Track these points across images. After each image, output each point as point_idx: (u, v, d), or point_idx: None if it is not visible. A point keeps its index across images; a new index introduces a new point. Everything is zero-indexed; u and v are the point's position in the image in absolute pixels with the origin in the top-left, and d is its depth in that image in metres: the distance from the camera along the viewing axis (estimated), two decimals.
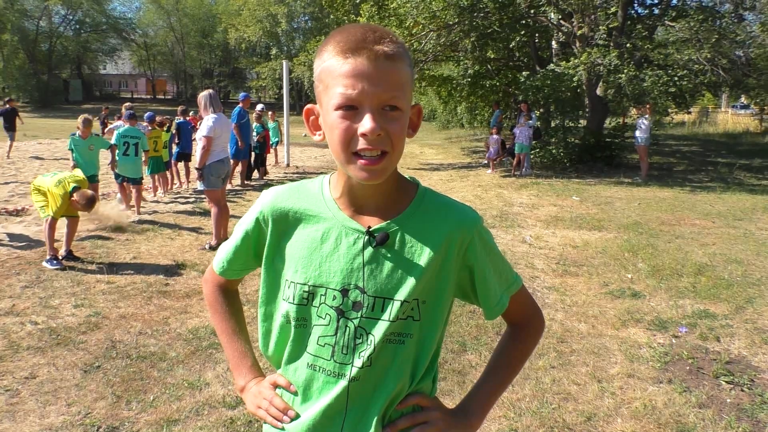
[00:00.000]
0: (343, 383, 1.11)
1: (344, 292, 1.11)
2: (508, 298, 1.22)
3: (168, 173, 10.95)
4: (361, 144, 1.01)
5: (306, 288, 1.13)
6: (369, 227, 1.12)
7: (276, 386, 1.21)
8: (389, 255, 1.11)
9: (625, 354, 4.05)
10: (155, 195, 10.43)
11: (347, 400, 1.12)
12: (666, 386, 3.61)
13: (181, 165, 11.58)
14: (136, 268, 5.97)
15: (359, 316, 1.11)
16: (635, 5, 15.92)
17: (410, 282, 1.10)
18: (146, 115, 10.63)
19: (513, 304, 1.23)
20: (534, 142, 14.90)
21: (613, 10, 12.89)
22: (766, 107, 26.02)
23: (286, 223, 1.18)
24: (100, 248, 6.58)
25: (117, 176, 8.84)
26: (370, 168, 1.02)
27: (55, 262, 5.80)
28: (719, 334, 4.39)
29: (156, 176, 10.45)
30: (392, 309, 1.10)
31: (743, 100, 34.73)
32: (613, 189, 11.70)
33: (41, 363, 3.80)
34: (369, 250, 1.11)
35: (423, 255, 1.11)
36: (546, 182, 12.66)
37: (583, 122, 15.87)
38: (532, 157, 14.77)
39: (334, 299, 1.11)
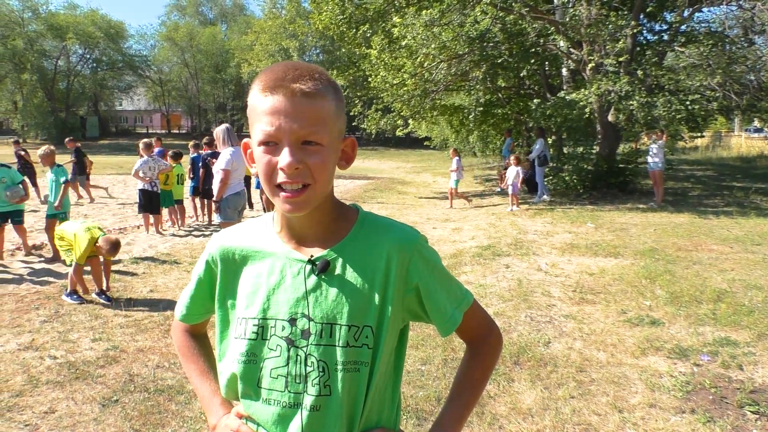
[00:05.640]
0: (301, 414, 1.11)
1: (292, 321, 1.13)
2: (460, 314, 1.23)
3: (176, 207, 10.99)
4: (281, 177, 1.06)
5: (256, 322, 1.15)
6: (312, 256, 1.15)
7: (242, 417, 1.20)
8: (332, 281, 1.14)
9: (646, 383, 3.99)
10: (173, 226, 10.60)
11: (306, 431, 1.11)
12: (689, 416, 3.54)
13: (197, 199, 11.66)
14: (153, 301, 6.02)
15: (309, 343, 1.12)
16: (644, 32, 16.02)
17: (354, 306, 1.12)
18: (156, 150, 10.81)
19: (467, 321, 1.24)
20: (547, 169, 14.91)
21: (621, 44, 12.87)
22: None
23: (234, 263, 1.22)
24: (117, 282, 6.64)
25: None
26: (291, 200, 1.07)
27: (75, 296, 5.89)
28: (742, 362, 4.31)
29: (169, 209, 10.57)
30: (341, 334, 1.11)
31: (756, 123, 34.60)
32: (628, 215, 11.63)
33: (60, 397, 3.82)
34: (312, 278, 1.14)
35: (365, 278, 1.14)
36: (560, 209, 12.63)
37: (595, 148, 15.83)
38: (545, 183, 14.76)
39: (283, 330, 1.13)
